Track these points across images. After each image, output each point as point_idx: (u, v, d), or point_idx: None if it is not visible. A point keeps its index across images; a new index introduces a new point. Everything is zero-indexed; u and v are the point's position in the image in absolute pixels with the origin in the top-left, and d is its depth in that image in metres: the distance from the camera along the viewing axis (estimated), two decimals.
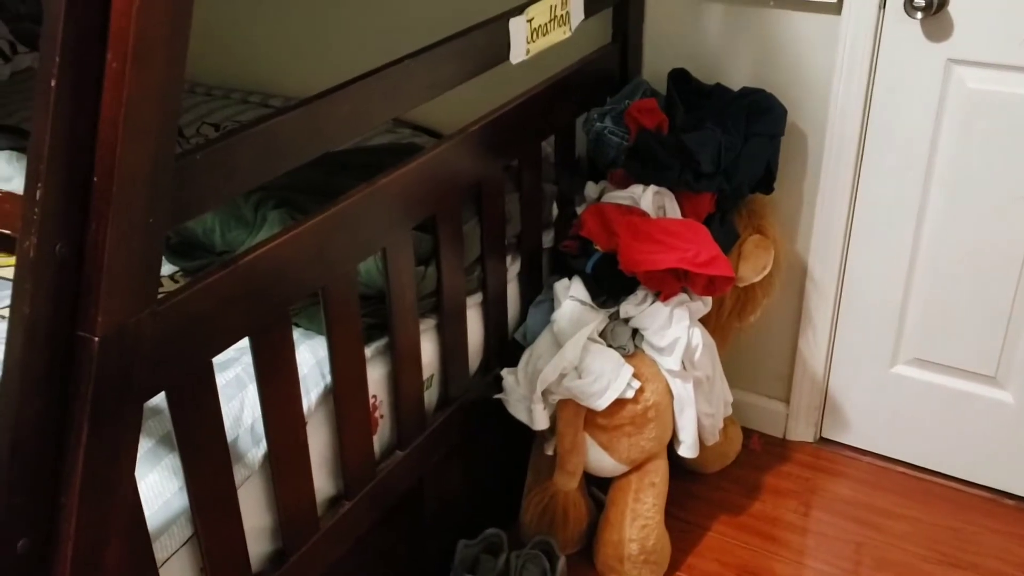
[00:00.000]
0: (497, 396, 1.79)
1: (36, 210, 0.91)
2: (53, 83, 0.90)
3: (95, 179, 0.94)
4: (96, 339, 0.95)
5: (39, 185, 0.91)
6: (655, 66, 2.02)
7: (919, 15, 1.71)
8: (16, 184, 1.99)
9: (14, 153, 2.14)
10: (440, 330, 1.64)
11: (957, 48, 1.75)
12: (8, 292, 1.72)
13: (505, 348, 1.83)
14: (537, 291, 1.89)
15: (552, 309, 1.80)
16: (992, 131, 1.77)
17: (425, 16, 2.28)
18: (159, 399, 1.12)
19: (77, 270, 0.95)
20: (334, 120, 1.26)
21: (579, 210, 1.88)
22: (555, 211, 1.92)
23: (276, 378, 1.25)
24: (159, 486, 1.18)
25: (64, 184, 0.93)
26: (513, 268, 1.82)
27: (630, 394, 1.68)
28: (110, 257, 0.95)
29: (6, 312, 1.64)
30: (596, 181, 1.92)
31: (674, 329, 1.71)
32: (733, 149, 1.79)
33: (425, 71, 1.43)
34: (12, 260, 1.81)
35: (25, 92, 2.78)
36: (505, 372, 1.78)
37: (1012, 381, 1.96)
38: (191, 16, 0.97)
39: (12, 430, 0.93)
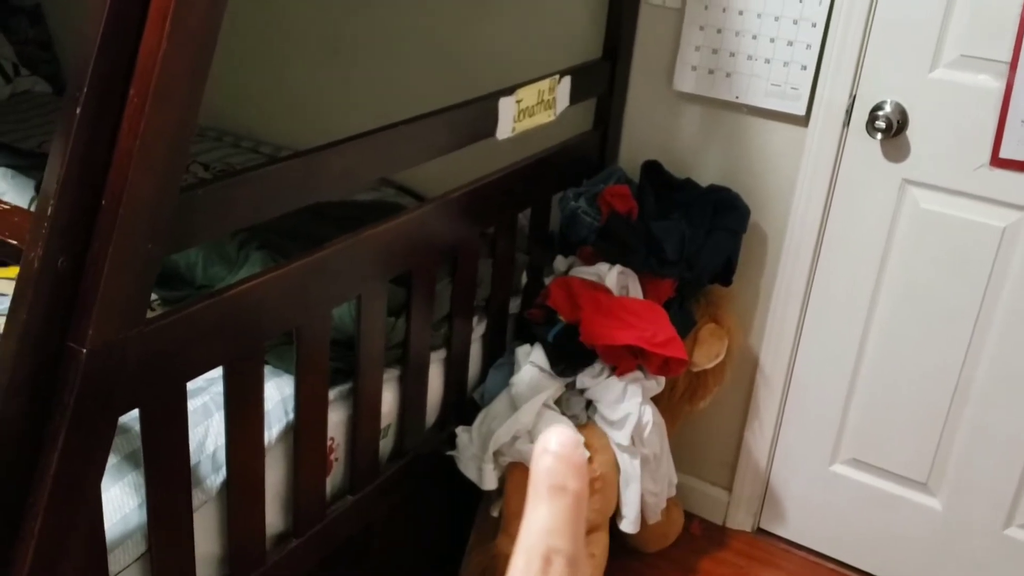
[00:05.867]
0: (450, 453, 1.84)
1: (45, 225, 0.98)
2: (78, 110, 0.98)
3: (103, 202, 1.01)
4: (84, 351, 1.01)
5: (51, 202, 0.98)
6: (630, 155, 2.13)
7: (879, 136, 1.84)
8: (9, 199, 2.05)
9: (9, 170, 2.20)
10: (402, 381, 1.70)
11: (912, 169, 1.88)
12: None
13: (463, 406, 1.90)
14: (499, 354, 1.96)
15: (512, 372, 1.87)
16: (939, 250, 1.90)
17: (413, 85, 2.39)
18: (129, 418, 1.17)
19: (75, 285, 1.02)
20: (329, 173, 1.34)
21: (547, 281, 1.97)
22: (524, 279, 2.01)
23: (243, 409, 1.31)
24: (119, 500, 1.23)
25: (74, 204, 1.00)
26: (479, 329, 1.90)
27: None
28: (108, 276, 1.01)
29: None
30: (566, 255, 2.01)
31: (626, 404, 1.79)
32: (696, 240, 1.90)
33: (417, 137, 1.53)
34: (7, 271, 1.87)
35: (22, 113, 2.85)
36: (460, 430, 1.84)
37: (942, 489, 2.05)
38: (211, 62, 1.06)
39: None
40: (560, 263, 2.00)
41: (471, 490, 1.85)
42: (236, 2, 1.07)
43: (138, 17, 1.00)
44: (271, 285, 1.29)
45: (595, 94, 2.03)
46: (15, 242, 1.05)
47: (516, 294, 2.00)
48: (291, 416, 1.46)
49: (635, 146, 2.13)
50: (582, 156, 2.06)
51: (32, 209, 1.92)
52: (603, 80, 2.03)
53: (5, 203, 1.15)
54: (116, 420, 1.09)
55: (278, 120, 2.69)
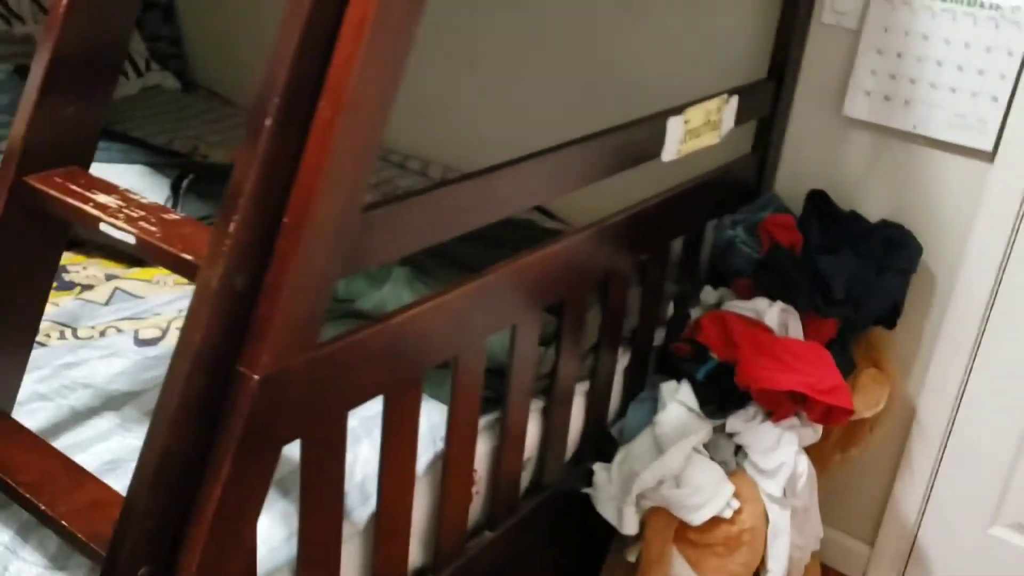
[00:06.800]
0: (586, 490, 1.74)
1: (227, 242, 0.92)
2: (268, 122, 0.91)
3: (285, 219, 0.94)
4: (256, 377, 0.94)
5: (235, 217, 0.91)
6: (787, 182, 2.00)
7: None
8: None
9: (146, 168, 2.19)
10: (546, 413, 1.61)
11: None
12: (127, 304, 1.74)
13: (601, 441, 1.80)
14: (640, 388, 1.85)
15: (654, 409, 1.76)
16: None
17: (555, 101, 2.30)
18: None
19: (250, 306, 0.95)
20: (498, 196, 1.26)
21: (693, 313, 1.85)
22: (670, 310, 1.90)
23: (400, 439, 1.23)
24: (269, 531, 1.16)
25: (256, 220, 0.93)
26: (622, 361, 1.80)
27: (728, 514, 1.63)
28: (285, 298, 0.94)
29: (124, 325, 1.66)
30: (715, 287, 1.89)
31: (781, 452, 1.66)
32: (865, 279, 1.76)
33: (584, 158, 1.43)
34: (138, 273, 1.84)
35: (151, 108, 2.86)
36: (598, 467, 1.74)
37: None
38: (402, 77, 0.98)
39: (159, 457, 0.92)
40: (709, 295, 1.89)
41: (602, 529, 1.74)
42: None
43: (333, 22, 0.93)
44: (434, 313, 1.21)
45: (757, 116, 1.91)
46: (190, 257, 0.99)
47: (661, 325, 1.89)
48: (439, 445, 1.38)
49: (793, 173, 2.00)
50: (739, 181, 1.94)
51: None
52: (766, 101, 1.91)
53: (173, 213, 1.10)
54: (280, 450, 1.02)
55: (414, 131, 2.62)
